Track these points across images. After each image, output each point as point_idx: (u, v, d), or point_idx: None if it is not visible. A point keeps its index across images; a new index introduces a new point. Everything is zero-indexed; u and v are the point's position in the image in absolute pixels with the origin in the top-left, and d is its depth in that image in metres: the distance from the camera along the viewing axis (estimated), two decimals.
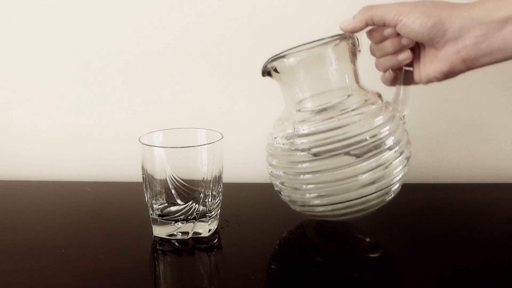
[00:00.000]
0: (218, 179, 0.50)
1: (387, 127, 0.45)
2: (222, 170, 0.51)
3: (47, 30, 0.67)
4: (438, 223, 0.55)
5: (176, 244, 0.49)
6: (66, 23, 0.67)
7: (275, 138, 0.49)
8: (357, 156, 0.44)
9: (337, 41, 0.45)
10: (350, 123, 0.44)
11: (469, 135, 0.68)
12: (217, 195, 0.51)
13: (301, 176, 0.46)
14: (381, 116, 0.45)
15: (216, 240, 0.50)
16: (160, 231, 0.50)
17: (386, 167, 0.45)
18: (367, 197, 0.45)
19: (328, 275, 0.44)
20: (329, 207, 0.46)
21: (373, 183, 0.45)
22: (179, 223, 0.50)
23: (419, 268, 0.45)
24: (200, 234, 0.50)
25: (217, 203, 0.51)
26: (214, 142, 0.49)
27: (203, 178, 0.49)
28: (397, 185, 0.47)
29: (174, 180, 0.49)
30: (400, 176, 0.46)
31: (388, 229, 0.53)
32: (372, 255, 0.48)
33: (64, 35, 0.67)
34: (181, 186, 0.49)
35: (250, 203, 0.61)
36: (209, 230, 0.51)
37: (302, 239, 0.51)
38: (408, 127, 0.67)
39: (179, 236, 0.50)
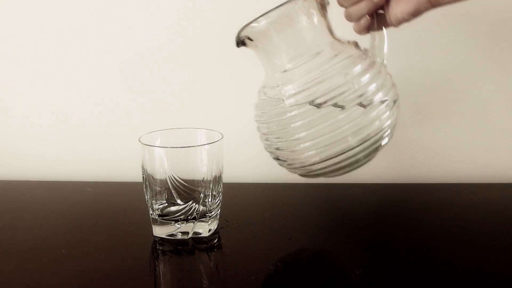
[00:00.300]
0: (218, 179, 0.50)
1: (368, 74, 0.45)
2: (222, 170, 0.51)
3: (47, 30, 0.67)
4: (438, 223, 0.55)
5: (176, 244, 0.49)
6: (66, 23, 0.67)
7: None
8: (342, 107, 0.44)
9: (302, 4, 0.45)
10: (334, 75, 0.44)
11: (469, 135, 0.68)
12: (217, 195, 0.51)
13: (296, 135, 0.46)
14: (360, 65, 0.45)
15: (216, 240, 0.50)
16: (160, 231, 0.50)
17: (374, 113, 0.45)
18: (362, 145, 0.45)
19: (328, 273, 0.44)
20: (329, 162, 0.46)
21: (364, 129, 0.45)
22: (179, 223, 0.50)
23: (418, 267, 0.45)
24: (200, 234, 0.50)
25: (217, 203, 0.51)
26: (214, 142, 0.49)
27: (203, 178, 0.49)
28: (389, 130, 0.47)
29: (174, 180, 0.49)
30: (390, 121, 0.46)
31: (388, 228, 0.54)
32: (371, 253, 0.49)
33: (64, 35, 0.67)
34: (181, 186, 0.49)
35: (250, 203, 0.61)
36: (209, 230, 0.51)
37: (302, 238, 0.51)
38: (409, 127, 0.68)
39: (179, 236, 0.50)
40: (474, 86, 0.66)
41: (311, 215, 0.57)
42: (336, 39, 0.48)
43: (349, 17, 0.47)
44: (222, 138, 0.50)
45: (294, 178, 0.70)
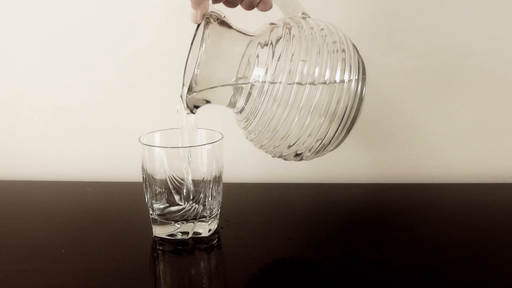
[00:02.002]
0: (218, 179, 0.50)
1: (304, 45, 0.45)
2: (222, 170, 0.51)
3: (46, 30, 0.67)
4: (438, 223, 0.55)
5: (176, 244, 0.49)
6: (65, 23, 0.67)
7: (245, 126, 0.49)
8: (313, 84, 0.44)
9: (207, 32, 0.45)
10: (282, 69, 0.44)
11: (469, 135, 0.68)
12: (217, 195, 0.51)
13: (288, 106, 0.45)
14: (292, 45, 0.45)
15: (216, 240, 0.50)
16: (160, 231, 0.50)
17: (333, 81, 0.45)
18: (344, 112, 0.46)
19: (328, 273, 0.44)
20: (331, 133, 0.47)
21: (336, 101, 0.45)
22: (179, 223, 0.50)
23: (418, 267, 0.45)
24: (200, 234, 0.50)
25: (217, 203, 0.51)
26: (214, 142, 0.49)
27: (203, 178, 0.49)
28: (360, 86, 0.47)
29: (174, 180, 0.49)
30: (353, 73, 0.46)
31: (388, 228, 0.54)
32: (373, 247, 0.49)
33: (63, 35, 0.67)
34: (181, 186, 0.49)
35: (250, 203, 0.61)
36: (209, 230, 0.51)
37: (302, 238, 0.51)
38: (408, 127, 0.68)
39: (179, 236, 0.50)
40: (475, 85, 0.66)
41: (311, 215, 0.57)
42: (256, 34, 0.48)
43: (233, 4, 0.47)
44: (222, 138, 0.50)
45: (294, 178, 0.70)
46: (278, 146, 0.48)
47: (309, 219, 0.56)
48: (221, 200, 0.52)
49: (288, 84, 0.44)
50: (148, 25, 0.66)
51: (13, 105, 0.70)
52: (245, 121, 0.49)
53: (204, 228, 0.50)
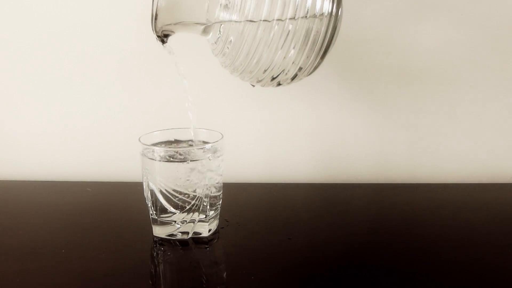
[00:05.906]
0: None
1: None
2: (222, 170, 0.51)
3: (46, 32, 0.67)
4: (438, 223, 0.55)
5: (176, 244, 0.49)
6: (64, 23, 0.67)
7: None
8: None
9: None
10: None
11: (469, 135, 0.68)
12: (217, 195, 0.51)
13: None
14: None
15: (216, 240, 0.50)
16: (160, 231, 0.50)
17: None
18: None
19: (327, 273, 0.44)
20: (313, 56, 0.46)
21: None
22: (179, 223, 0.50)
23: (417, 267, 0.45)
24: (200, 234, 0.50)
25: (217, 203, 0.51)
26: (214, 142, 0.49)
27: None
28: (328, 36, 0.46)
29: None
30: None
31: (388, 228, 0.54)
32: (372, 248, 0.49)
33: (61, 36, 0.67)
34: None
35: (250, 203, 0.61)
36: (209, 230, 0.51)
37: (302, 238, 0.51)
38: (409, 127, 0.68)
39: (179, 236, 0.50)
40: (475, 85, 0.66)
41: (311, 215, 0.57)
42: None
43: None
44: (222, 138, 0.50)
45: (294, 178, 0.70)
46: (253, 71, 0.47)
47: (309, 219, 0.56)
48: (221, 200, 0.52)
49: (257, 14, 0.43)
50: (148, 24, 0.66)
51: (13, 106, 0.70)
52: (220, 48, 0.48)
53: (204, 228, 0.50)
